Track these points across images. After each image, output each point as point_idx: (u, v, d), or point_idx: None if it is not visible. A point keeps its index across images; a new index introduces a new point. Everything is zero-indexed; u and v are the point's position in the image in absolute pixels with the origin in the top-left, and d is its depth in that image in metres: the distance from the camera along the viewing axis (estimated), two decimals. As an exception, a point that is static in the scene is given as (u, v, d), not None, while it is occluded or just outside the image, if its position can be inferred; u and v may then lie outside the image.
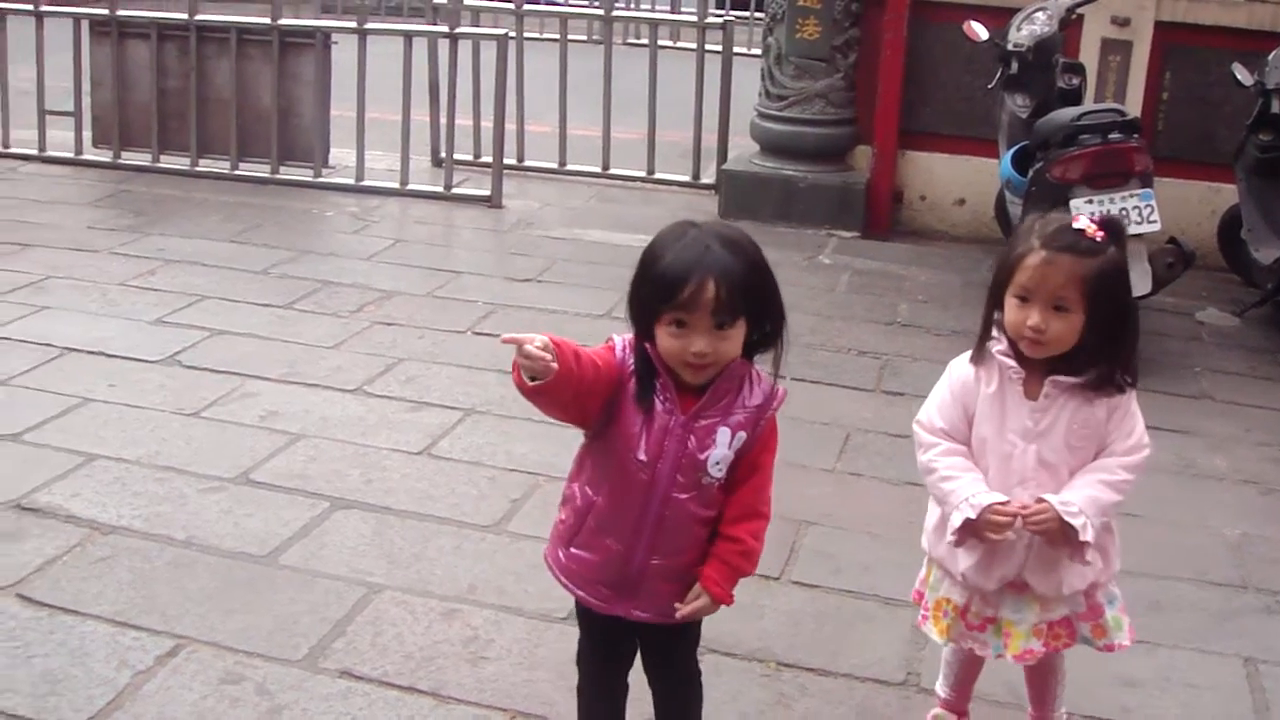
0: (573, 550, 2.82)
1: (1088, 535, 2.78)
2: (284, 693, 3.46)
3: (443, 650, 3.68)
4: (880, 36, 8.18)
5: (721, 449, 2.67)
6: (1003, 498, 2.83)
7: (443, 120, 9.01)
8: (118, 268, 6.94)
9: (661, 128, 9.14)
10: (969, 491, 2.84)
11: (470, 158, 9.41)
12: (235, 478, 4.65)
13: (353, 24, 8.83)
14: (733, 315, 2.55)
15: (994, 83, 7.25)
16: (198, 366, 5.63)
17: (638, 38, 13.80)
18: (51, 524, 4.25)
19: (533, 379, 2.50)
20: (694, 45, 9.14)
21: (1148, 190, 5.90)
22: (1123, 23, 7.75)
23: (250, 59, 8.94)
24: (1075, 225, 2.79)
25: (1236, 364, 6.37)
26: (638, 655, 3.02)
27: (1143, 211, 5.85)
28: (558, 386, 2.51)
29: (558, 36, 9.49)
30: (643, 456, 2.65)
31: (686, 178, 9.22)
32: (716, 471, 2.69)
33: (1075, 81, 7.01)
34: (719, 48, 9.00)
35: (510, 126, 9.00)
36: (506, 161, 8.95)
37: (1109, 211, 5.53)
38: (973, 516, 2.81)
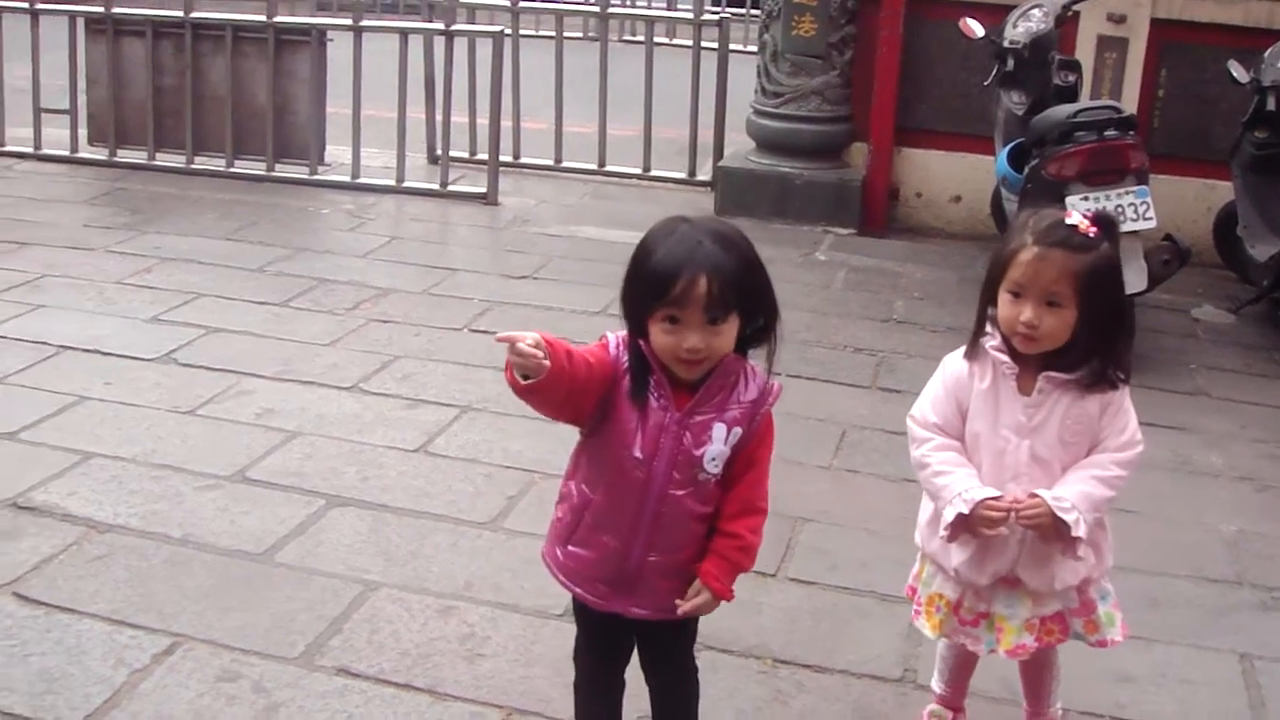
0: (570, 548, 2.82)
1: (1080, 531, 2.79)
2: (280, 690, 3.46)
3: (439, 647, 3.68)
4: (876, 33, 8.18)
5: (717, 445, 2.67)
6: (996, 493, 2.83)
7: (438, 117, 9.02)
8: (113, 266, 6.93)
9: (657, 125, 9.13)
10: (962, 486, 2.85)
11: (466, 155, 9.42)
12: (231, 475, 4.64)
13: (348, 21, 8.82)
14: (725, 310, 2.55)
15: (990, 80, 7.25)
16: (194, 364, 5.63)
17: (633, 34, 13.84)
18: (48, 522, 4.25)
19: (525, 377, 2.50)
20: (690, 42, 9.14)
21: (1143, 187, 5.90)
22: (1119, 20, 7.76)
23: (246, 56, 8.93)
24: (1068, 221, 2.79)
25: (1232, 361, 6.38)
26: (634, 652, 3.02)
27: (1138, 208, 5.85)
28: (550, 385, 2.51)
29: (553, 33, 9.49)
30: (638, 454, 2.65)
31: (682, 175, 9.23)
32: (713, 467, 2.69)
33: (1071, 79, 7.03)
34: (715, 44, 9.00)
35: (506, 123, 8.99)
36: (502, 158, 8.94)
37: (1104, 208, 5.53)
38: (966, 512, 2.82)
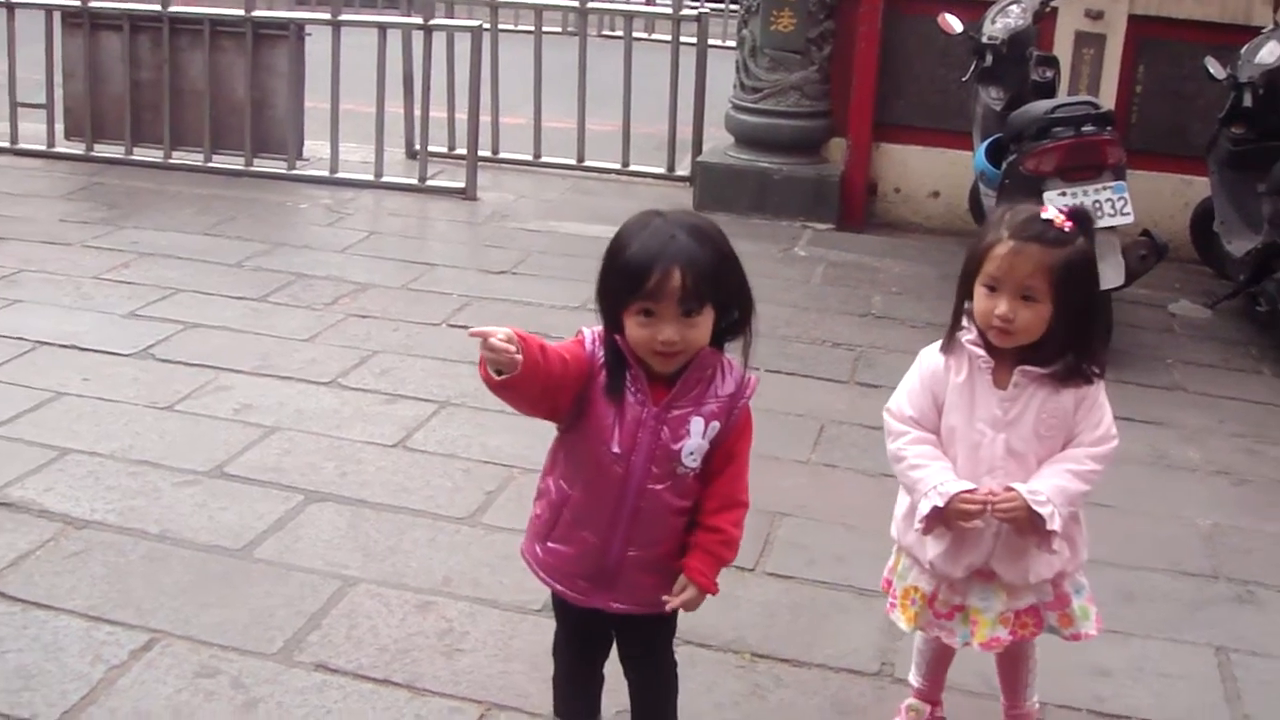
0: (549, 544, 2.82)
1: (1055, 524, 2.80)
2: (259, 686, 3.46)
3: (418, 643, 3.68)
4: (855, 29, 8.19)
5: (695, 439, 2.67)
6: (971, 486, 2.84)
7: (417, 112, 9.00)
8: (91, 261, 6.91)
9: (637, 120, 9.13)
10: (937, 479, 2.86)
11: (445, 150, 9.41)
12: (209, 471, 4.63)
13: (326, 15, 8.80)
14: (700, 303, 2.56)
15: (968, 75, 7.27)
16: (171, 360, 5.61)
17: (613, 30, 13.81)
18: (25, 519, 4.23)
19: (499, 373, 2.50)
20: (669, 37, 9.13)
21: (1121, 183, 5.92)
22: (1096, 16, 7.78)
23: (224, 51, 8.90)
24: (1044, 215, 2.80)
25: (1209, 356, 6.41)
26: (613, 646, 3.03)
27: (1116, 204, 5.87)
28: (524, 380, 2.51)
29: (532, 28, 9.48)
30: (616, 449, 2.66)
31: (662, 170, 9.23)
32: (691, 462, 2.69)
33: (1049, 74, 7.05)
34: (694, 40, 8.99)
35: (485, 118, 8.98)
36: (481, 154, 8.93)
37: (1082, 204, 5.54)
38: (940, 505, 2.82)
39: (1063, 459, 2.89)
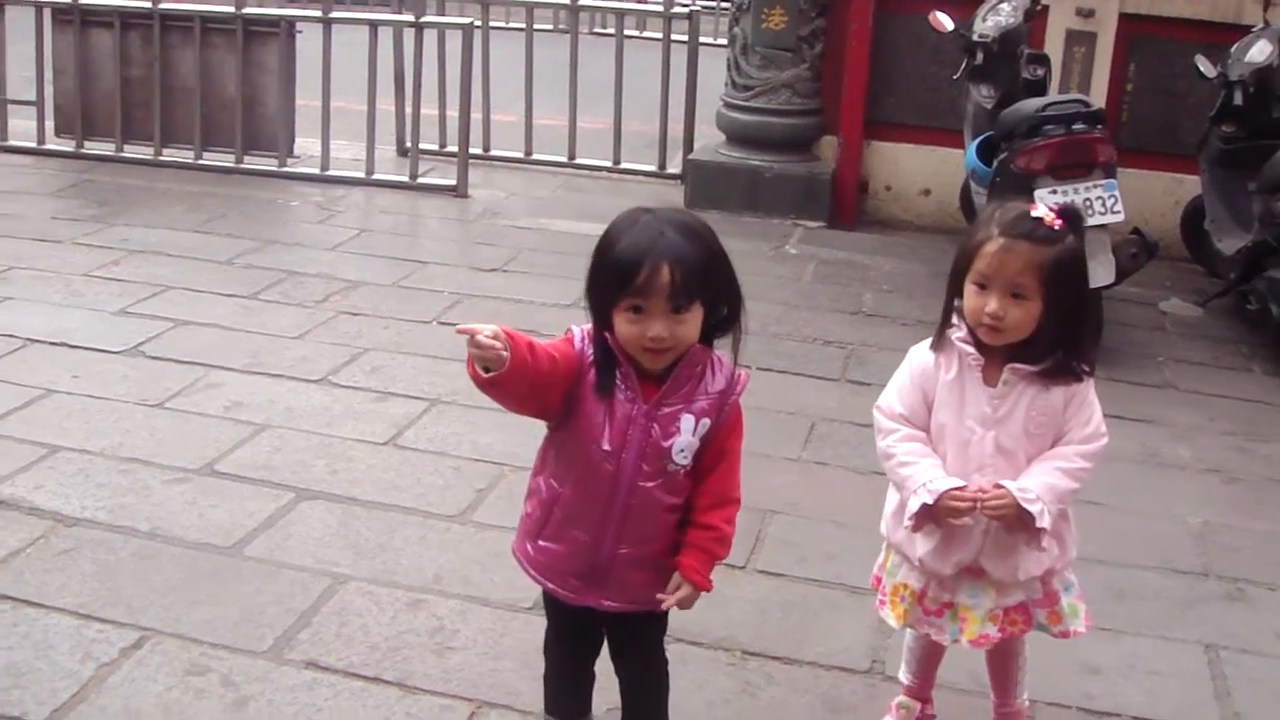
0: (541, 543, 2.82)
1: (1044, 522, 2.80)
2: (249, 684, 3.45)
3: (408, 641, 3.68)
4: (846, 27, 8.20)
5: (686, 436, 2.67)
6: (960, 483, 2.84)
7: (408, 110, 8.99)
8: (81, 258, 6.89)
9: (628, 117, 9.13)
10: (926, 477, 2.86)
11: (436, 147, 9.39)
12: (200, 469, 4.63)
13: (317, 13, 8.79)
14: (689, 299, 2.56)
15: (959, 73, 7.27)
16: (162, 357, 5.61)
17: (604, 27, 13.79)
18: (15, 516, 4.22)
19: (487, 370, 2.50)
20: (660, 35, 9.13)
21: (1111, 181, 5.92)
22: (1087, 14, 7.79)
23: (214, 48, 8.88)
24: (1034, 213, 2.80)
25: (1200, 354, 6.42)
26: (604, 644, 3.03)
27: (1106, 202, 5.87)
28: (512, 378, 2.51)
29: (523, 26, 9.47)
30: (607, 446, 2.66)
31: (653, 167, 9.22)
32: (682, 459, 2.69)
33: (1040, 72, 7.05)
34: (685, 37, 9.00)
35: (476, 116, 8.98)
36: (472, 151, 8.92)
37: (1072, 202, 5.55)
38: (930, 502, 2.83)
39: (1052, 457, 2.89)
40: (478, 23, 9.00)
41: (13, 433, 4.82)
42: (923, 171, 8.39)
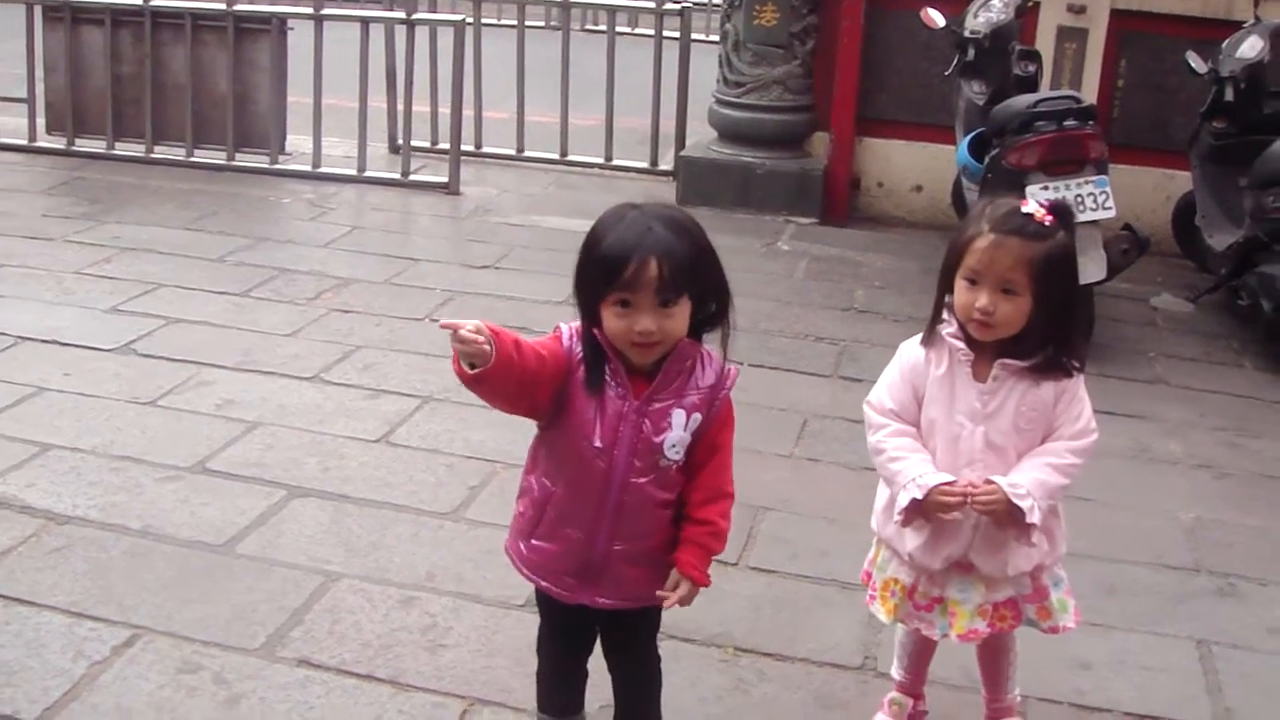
0: (534, 542, 2.82)
1: (1034, 517, 2.80)
2: (241, 682, 3.45)
3: (401, 638, 3.68)
4: (838, 23, 8.20)
5: (677, 431, 2.68)
6: (950, 478, 2.85)
7: (400, 107, 8.98)
8: (72, 256, 6.88)
9: (620, 114, 9.12)
10: (916, 472, 2.87)
11: (428, 144, 9.39)
12: (191, 466, 4.62)
13: (309, 10, 8.76)
14: (676, 293, 2.56)
15: (951, 70, 7.28)
16: (153, 355, 5.60)
17: (596, 24, 13.78)
18: (6, 514, 4.22)
19: (472, 366, 2.49)
20: (652, 32, 9.13)
21: (1103, 177, 5.93)
22: (1078, 10, 7.78)
23: (206, 45, 8.87)
24: (1024, 209, 2.81)
25: (1191, 349, 6.43)
26: (597, 641, 3.03)
27: (1098, 198, 5.87)
28: (498, 374, 2.50)
29: (515, 22, 9.47)
30: (598, 443, 2.66)
31: (645, 164, 9.22)
32: (674, 454, 2.70)
33: (1031, 69, 7.06)
34: (677, 34, 8.99)
35: (468, 113, 8.97)
36: (464, 148, 8.91)
37: (1064, 198, 5.56)
38: (919, 497, 2.83)
39: (1042, 452, 2.89)
40: (469, 19, 8.99)
41: (4, 431, 4.81)
42: (914, 168, 8.39)
